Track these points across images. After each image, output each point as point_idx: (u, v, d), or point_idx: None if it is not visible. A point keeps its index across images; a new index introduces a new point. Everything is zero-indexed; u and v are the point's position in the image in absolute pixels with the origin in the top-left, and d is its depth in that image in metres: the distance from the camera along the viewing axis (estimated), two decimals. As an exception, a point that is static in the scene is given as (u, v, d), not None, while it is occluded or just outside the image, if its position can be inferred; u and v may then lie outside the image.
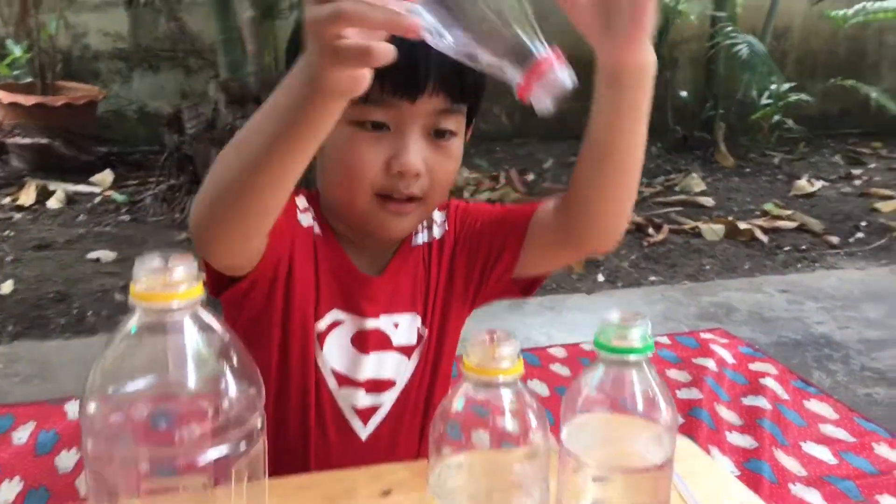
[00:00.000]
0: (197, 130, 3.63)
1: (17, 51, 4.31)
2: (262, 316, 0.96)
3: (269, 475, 0.66)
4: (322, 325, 0.97)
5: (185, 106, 3.77)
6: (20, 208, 3.67)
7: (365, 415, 0.99)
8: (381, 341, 0.99)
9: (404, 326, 1.01)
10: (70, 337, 2.55)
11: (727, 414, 2.13)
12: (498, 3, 0.62)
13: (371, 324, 0.99)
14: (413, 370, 1.02)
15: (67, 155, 4.11)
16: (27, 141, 4.05)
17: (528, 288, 1.03)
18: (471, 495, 0.69)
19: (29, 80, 4.39)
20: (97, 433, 0.58)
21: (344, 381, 0.98)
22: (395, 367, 1.00)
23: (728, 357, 2.45)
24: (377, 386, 0.98)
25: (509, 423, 0.67)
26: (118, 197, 3.80)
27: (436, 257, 1.03)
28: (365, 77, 0.64)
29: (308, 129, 0.69)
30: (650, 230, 3.70)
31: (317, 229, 0.99)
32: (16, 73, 4.40)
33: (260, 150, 0.71)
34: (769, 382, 2.28)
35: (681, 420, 2.10)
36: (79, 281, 2.94)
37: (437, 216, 1.05)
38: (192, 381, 0.58)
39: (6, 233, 3.39)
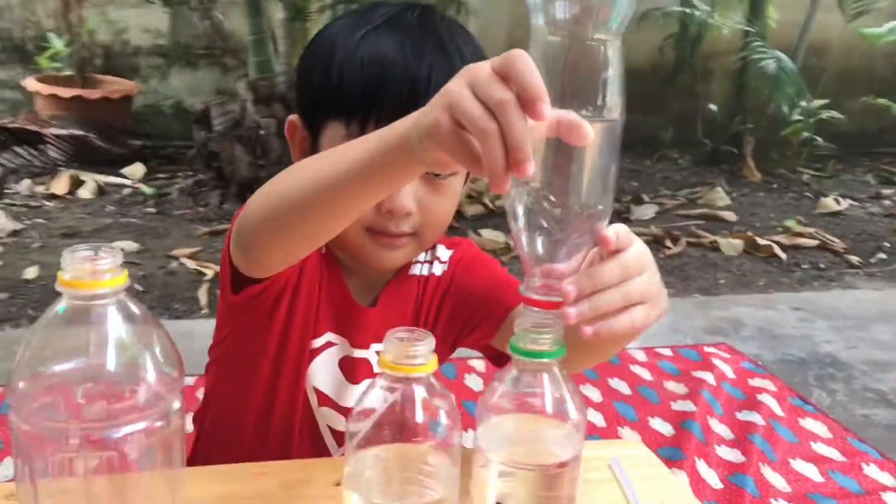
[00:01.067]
0: (224, 127, 3.72)
1: (58, 44, 4.44)
2: (263, 324, 0.99)
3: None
4: (317, 342, 1.00)
5: (214, 103, 3.86)
6: (52, 197, 3.79)
7: (341, 438, 1.02)
8: (368, 371, 1.02)
9: None
10: (87, 323, 2.63)
11: (719, 427, 2.14)
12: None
13: (359, 353, 1.02)
14: (393, 400, 1.05)
15: (101, 147, 4.23)
16: (63, 132, 4.18)
17: (499, 359, 1.02)
18: (382, 487, 0.73)
19: (69, 72, 4.52)
20: (22, 409, 0.63)
21: (325, 401, 1.01)
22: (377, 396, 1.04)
23: (728, 371, 2.46)
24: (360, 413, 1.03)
25: (420, 418, 0.71)
26: (146, 189, 3.91)
27: (430, 293, 1.05)
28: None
29: (383, 181, 0.72)
30: (667, 242, 3.71)
31: (324, 250, 1.02)
32: (56, 65, 4.54)
33: (334, 183, 0.74)
34: (766, 399, 2.28)
35: (671, 431, 2.12)
36: (101, 269, 3.03)
37: (444, 253, 1.06)
38: (112, 364, 0.63)
39: (37, 220, 3.51)
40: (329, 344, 1.01)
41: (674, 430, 2.12)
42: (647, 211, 4.16)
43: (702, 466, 1.94)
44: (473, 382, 2.31)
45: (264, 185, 0.82)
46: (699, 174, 4.99)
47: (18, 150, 4.18)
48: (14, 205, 3.66)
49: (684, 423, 2.14)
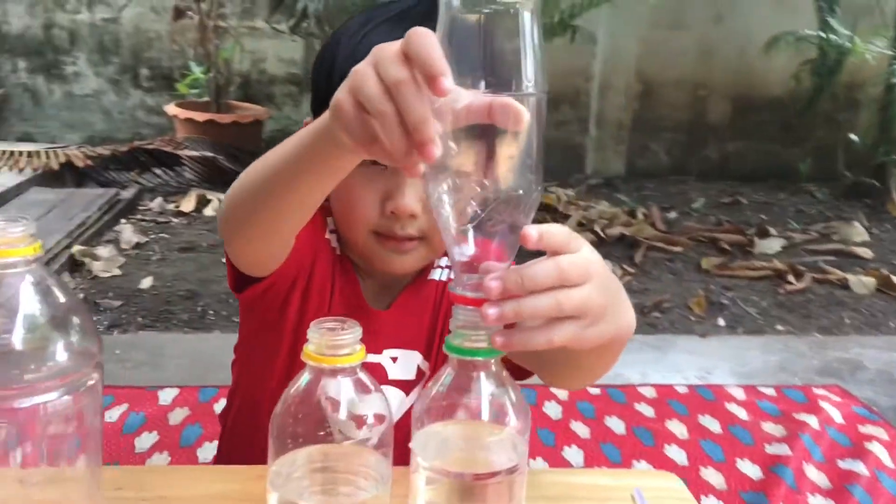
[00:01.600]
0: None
1: (197, 71, 4.72)
2: (276, 321, 0.99)
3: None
4: None
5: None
6: (179, 214, 4.00)
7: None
8: (378, 376, 1.00)
9: (402, 361, 1.01)
10: (188, 332, 2.74)
11: (815, 475, 1.95)
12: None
13: (371, 358, 0.99)
14: (409, 406, 1.01)
15: (230, 169, 4.43)
16: (196, 154, 4.41)
17: (516, 372, 0.99)
18: (310, 486, 0.69)
19: (206, 99, 4.79)
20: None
21: (337, 407, 1.00)
22: (390, 401, 1.00)
23: (837, 416, 2.25)
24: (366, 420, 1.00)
25: (346, 414, 0.67)
26: (265, 209, 4.05)
27: (447, 300, 1.02)
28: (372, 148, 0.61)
29: (320, 169, 0.71)
30: (790, 277, 3.47)
31: (339, 251, 1.01)
32: (195, 91, 4.82)
33: (278, 174, 0.74)
34: (875, 447, 2.07)
35: (760, 475, 1.95)
36: (210, 282, 3.16)
37: None
38: (19, 334, 0.63)
39: (161, 235, 3.71)
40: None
41: (763, 473, 1.95)
42: (773, 244, 3.92)
43: (787, 515, 1.78)
44: (552, 410, 2.23)
45: (234, 183, 0.82)
46: (837, 208, 4.67)
47: (157, 171, 4.45)
48: (143, 220, 3.88)
49: (775, 467, 1.97)
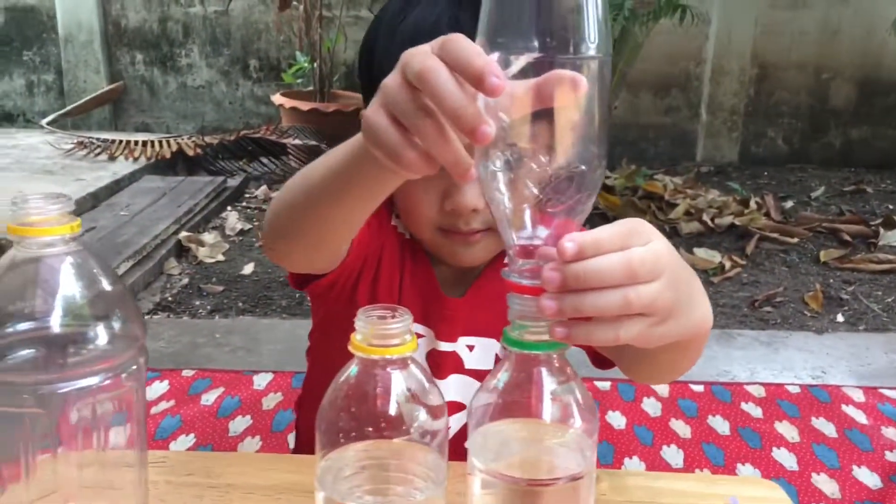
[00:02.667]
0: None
1: (302, 61, 4.78)
2: (345, 310, 0.97)
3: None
4: None
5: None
6: (283, 202, 4.06)
7: None
8: (452, 364, 0.97)
9: (480, 350, 0.97)
10: (285, 318, 2.77)
11: (944, 488, 1.79)
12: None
13: (445, 346, 0.96)
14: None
15: (333, 157, 4.48)
16: (300, 142, 4.47)
17: (598, 361, 0.91)
18: (357, 488, 0.64)
19: (310, 88, 4.85)
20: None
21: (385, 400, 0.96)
22: (465, 391, 0.96)
23: (970, 423, 2.06)
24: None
25: (396, 409, 0.62)
26: (366, 197, 4.07)
27: None
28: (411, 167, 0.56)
29: (362, 192, 0.67)
30: (920, 272, 3.22)
31: (407, 235, 0.98)
32: (300, 81, 4.88)
33: (320, 191, 0.71)
34: None
35: (878, 484, 1.80)
36: (309, 269, 3.18)
37: None
38: (59, 317, 0.61)
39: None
40: (417, 335, 0.95)
41: (882, 483, 1.80)
42: (901, 237, 3.65)
43: (908, 530, 1.63)
44: (651, 407, 2.12)
45: (276, 195, 0.80)
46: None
47: (263, 160, 4.53)
48: (248, 208, 3.96)
49: (896, 476, 1.81)
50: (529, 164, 0.54)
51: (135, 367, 0.63)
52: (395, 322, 0.60)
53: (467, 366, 0.97)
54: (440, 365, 0.97)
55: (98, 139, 4.40)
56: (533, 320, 0.58)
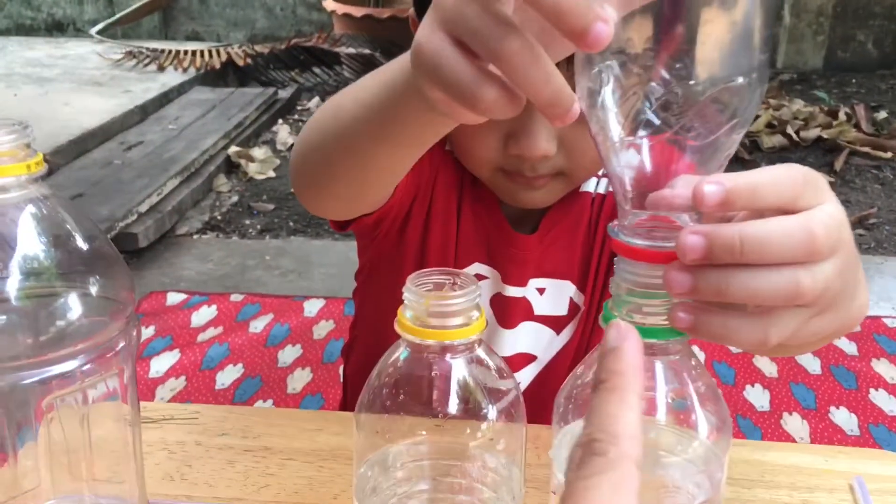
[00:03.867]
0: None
1: (355, -36, 4.52)
2: (396, 251, 0.84)
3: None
4: None
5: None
6: (337, 114, 3.90)
7: None
8: (520, 311, 0.84)
9: (551, 293, 0.84)
10: (338, 239, 2.63)
11: None
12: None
13: (513, 291, 0.83)
14: (562, 346, 0.85)
15: (387, 66, 4.27)
16: (353, 51, 4.27)
17: None
18: (406, 500, 0.49)
19: (364, -8, 4.61)
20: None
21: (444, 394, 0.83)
22: (536, 340, 0.84)
23: None
24: (512, 362, 0.83)
25: (458, 407, 0.46)
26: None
27: (606, 215, 0.83)
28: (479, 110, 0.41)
29: (408, 139, 0.53)
30: None
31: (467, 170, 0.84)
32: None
33: (356, 131, 0.57)
34: None
35: None
36: (363, 186, 3.04)
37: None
38: (19, 285, 0.45)
39: (317, 136, 3.62)
40: (479, 277, 0.82)
41: None
42: None
43: None
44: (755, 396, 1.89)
45: (304, 127, 0.66)
46: None
47: (316, 70, 4.35)
48: (301, 121, 3.80)
49: None
50: (659, 79, 0.36)
51: (123, 343, 0.48)
52: (459, 296, 0.44)
53: (537, 311, 0.84)
54: (507, 312, 0.84)
55: (147, 49, 4.27)
56: (647, 296, 0.41)
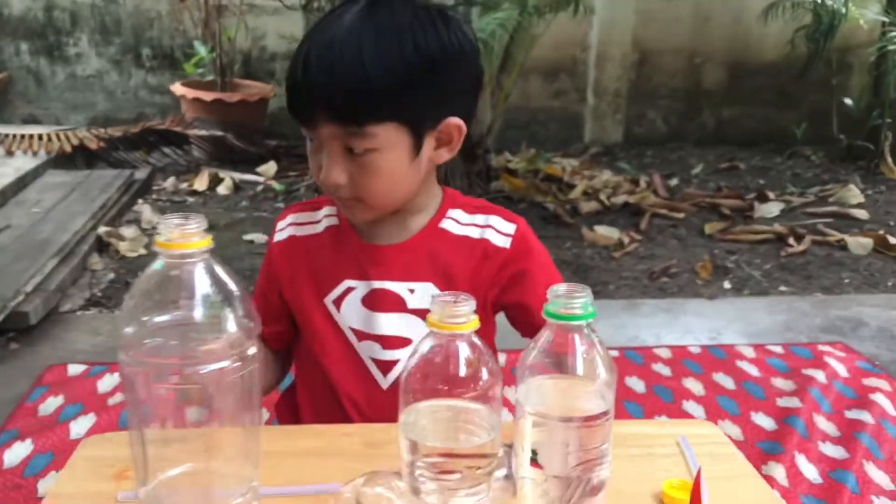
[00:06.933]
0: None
1: (202, 51, 4.78)
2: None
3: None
4: (335, 294, 1.11)
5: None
6: (194, 193, 4.09)
7: (384, 367, 1.11)
8: (393, 302, 1.09)
9: (420, 293, 1.09)
10: (219, 307, 2.85)
11: (825, 425, 2.10)
12: None
13: (378, 285, 1.09)
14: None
15: (239, 147, 4.52)
16: (205, 133, 4.49)
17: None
18: (434, 432, 0.81)
19: (211, 77, 4.85)
20: (129, 350, 0.75)
21: (362, 336, 1.11)
22: (409, 328, 1.09)
23: (842, 370, 2.39)
24: (391, 342, 1.11)
25: (463, 372, 0.79)
26: (277, 186, 4.15)
27: (491, 259, 1.10)
28: None
29: None
30: (791, 240, 3.61)
31: (323, 226, 1.13)
32: (200, 71, 4.88)
33: None
34: (879, 398, 2.21)
35: (773, 426, 2.10)
36: (232, 259, 3.26)
37: (502, 225, 1.11)
38: (200, 313, 0.75)
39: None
40: (349, 290, 1.11)
41: (776, 425, 2.10)
42: (772, 209, 4.05)
43: (801, 461, 1.92)
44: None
45: None
46: (832, 171, 4.80)
47: (166, 150, 4.53)
48: (160, 200, 3.97)
49: (787, 418, 2.11)
50: None
51: (253, 351, 0.77)
52: (462, 304, 0.77)
53: (410, 306, 1.10)
54: (376, 302, 1.10)
55: (-10, 133, 4.29)
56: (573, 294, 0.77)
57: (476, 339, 0.79)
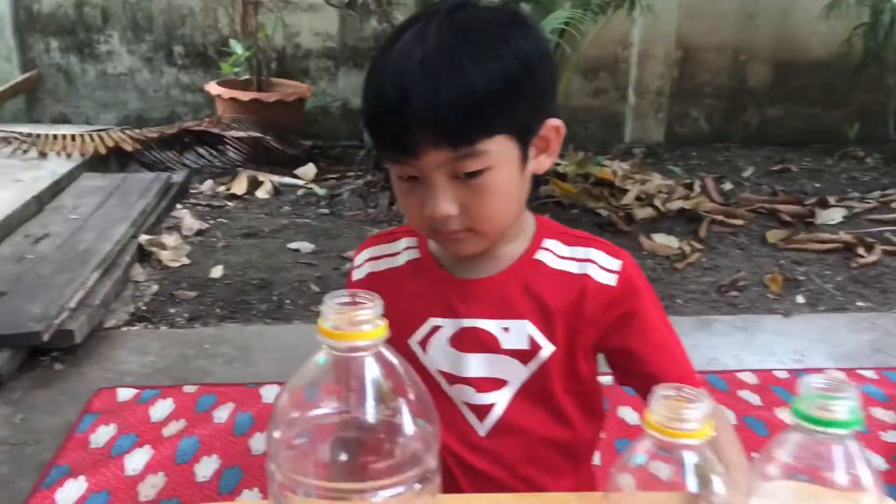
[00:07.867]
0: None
1: (238, 50, 4.63)
2: None
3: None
4: (420, 334, 1.01)
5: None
6: (233, 197, 3.96)
7: (479, 412, 1.01)
8: (485, 342, 1.00)
9: (515, 331, 1.01)
10: (269, 323, 2.72)
11: (939, 463, 1.94)
12: None
13: (468, 323, 1.00)
14: (530, 375, 1.01)
15: (276, 148, 4.38)
16: (242, 134, 4.35)
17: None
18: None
19: (247, 77, 4.71)
20: (277, 457, 0.61)
21: (454, 379, 1.01)
22: (505, 369, 1.00)
23: (944, 399, 2.23)
24: (485, 385, 1.00)
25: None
26: (319, 190, 4.01)
27: (592, 295, 1.00)
28: None
29: None
30: (860, 250, 3.43)
31: (403, 260, 1.05)
32: (236, 70, 4.74)
33: None
34: None
35: (885, 466, 1.94)
36: (280, 269, 3.13)
37: (605, 260, 1.01)
38: (371, 417, 0.60)
39: (220, 220, 3.67)
40: (435, 328, 1.01)
41: (887, 464, 1.94)
42: (834, 215, 3.87)
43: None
44: (629, 415, 2.18)
45: None
46: (890, 174, 4.61)
47: (201, 151, 4.40)
48: (199, 205, 3.84)
49: (898, 456, 1.95)
50: None
51: (434, 465, 0.63)
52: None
53: (504, 346, 1.01)
54: (464, 342, 1.01)
55: (21, 134, 4.16)
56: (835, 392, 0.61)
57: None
